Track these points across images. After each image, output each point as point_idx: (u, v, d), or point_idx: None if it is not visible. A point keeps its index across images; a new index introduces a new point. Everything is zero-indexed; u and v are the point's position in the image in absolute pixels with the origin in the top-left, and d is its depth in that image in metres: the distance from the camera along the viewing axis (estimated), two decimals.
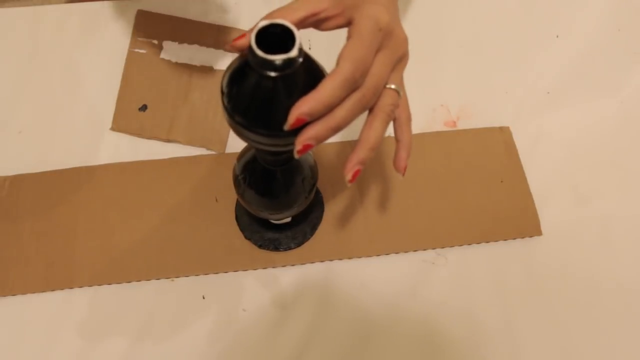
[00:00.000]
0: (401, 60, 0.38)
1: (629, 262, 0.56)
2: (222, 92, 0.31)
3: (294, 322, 0.51)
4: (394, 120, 0.40)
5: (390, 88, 0.36)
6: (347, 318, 0.51)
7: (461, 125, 0.62)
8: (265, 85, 0.29)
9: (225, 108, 0.31)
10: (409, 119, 0.40)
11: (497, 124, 0.62)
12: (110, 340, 0.49)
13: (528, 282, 0.54)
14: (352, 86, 0.33)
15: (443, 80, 0.65)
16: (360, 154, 0.36)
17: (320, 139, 0.32)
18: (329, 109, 0.32)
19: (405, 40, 0.37)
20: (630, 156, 0.61)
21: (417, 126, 0.60)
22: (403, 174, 0.41)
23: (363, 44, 0.34)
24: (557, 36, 0.69)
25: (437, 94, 0.64)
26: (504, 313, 0.52)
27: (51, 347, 0.49)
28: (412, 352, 0.50)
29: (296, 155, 0.32)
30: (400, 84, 0.38)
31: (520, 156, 0.60)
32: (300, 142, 0.31)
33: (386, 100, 0.36)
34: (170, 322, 0.51)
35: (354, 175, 0.37)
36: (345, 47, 0.33)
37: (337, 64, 0.32)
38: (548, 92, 0.65)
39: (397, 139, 0.41)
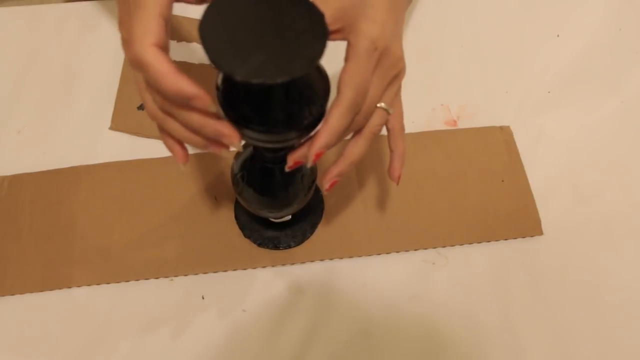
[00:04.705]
0: (396, 77, 0.38)
1: (630, 261, 0.55)
2: (217, 89, 0.31)
3: (294, 321, 0.51)
4: (388, 131, 0.41)
5: (381, 107, 0.37)
6: (347, 317, 0.51)
7: (462, 125, 0.62)
8: None
9: (221, 104, 0.31)
10: (402, 129, 0.42)
11: (497, 123, 0.62)
12: (108, 340, 0.49)
13: (528, 281, 0.54)
14: (356, 111, 0.35)
15: (443, 80, 0.64)
16: (341, 167, 0.38)
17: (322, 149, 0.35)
18: (341, 137, 0.35)
19: (401, 59, 0.38)
20: (630, 156, 0.61)
21: (418, 125, 0.60)
22: (397, 183, 0.44)
23: (361, 67, 0.34)
24: (558, 35, 0.69)
25: (438, 93, 0.63)
26: (504, 313, 0.52)
27: (50, 347, 0.49)
28: (413, 351, 0.50)
29: (287, 169, 0.35)
30: (394, 99, 0.39)
31: (521, 155, 0.60)
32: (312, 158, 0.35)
33: (375, 121, 0.38)
34: (169, 322, 0.50)
35: (331, 186, 0.39)
36: (345, 71, 0.34)
37: (339, 90, 0.34)
38: (549, 92, 0.65)
39: (390, 149, 0.42)
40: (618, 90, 0.65)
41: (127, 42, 0.30)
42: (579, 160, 0.61)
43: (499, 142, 0.60)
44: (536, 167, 0.59)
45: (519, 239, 0.56)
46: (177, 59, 0.61)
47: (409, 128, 0.59)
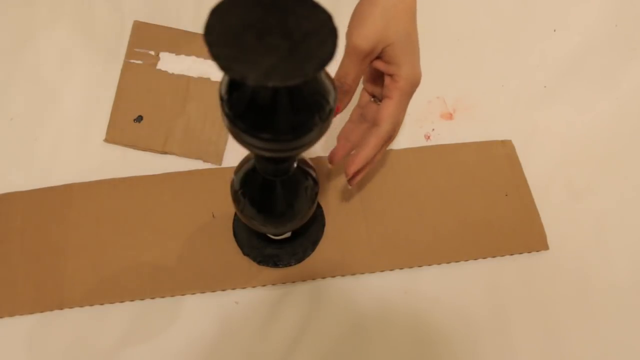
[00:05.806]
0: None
1: (623, 257, 0.55)
2: (222, 99, 0.30)
3: (286, 315, 0.50)
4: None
5: None
6: (339, 310, 0.50)
7: (459, 118, 0.62)
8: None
9: (227, 115, 0.29)
10: (393, 138, 0.45)
11: (493, 117, 0.62)
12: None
13: (522, 279, 0.53)
14: (390, 138, 0.43)
15: (440, 72, 0.64)
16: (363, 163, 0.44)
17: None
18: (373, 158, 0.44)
19: (420, 80, 0.43)
20: (625, 151, 0.61)
21: (413, 117, 0.61)
22: (348, 180, 0.45)
23: (401, 107, 0.42)
24: (555, 30, 0.69)
25: (434, 86, 0.63)
26: (496, 308, 0.52)
27: None
28: (405, 345, 0.49)
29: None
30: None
31: (517, 149, 0.60)
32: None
33: (393, 134, 0.44)
34: (161, 318, 0.50)
35: (355, 179, 0.45)
36: (386, 107, 0.42)
37: (379, 123, 0.42)
38: (545, 86, 0.65)
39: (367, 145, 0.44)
40: (613, 86, 0.66)
41: None
42: (574, 154, 0.61)
43: (500, 156, 0.59)
44: (531, 161, 0.59)
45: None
46: (176, 73, 0.60)
47: (405, 120, 0.59)
